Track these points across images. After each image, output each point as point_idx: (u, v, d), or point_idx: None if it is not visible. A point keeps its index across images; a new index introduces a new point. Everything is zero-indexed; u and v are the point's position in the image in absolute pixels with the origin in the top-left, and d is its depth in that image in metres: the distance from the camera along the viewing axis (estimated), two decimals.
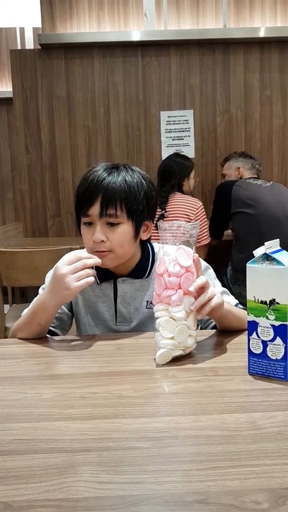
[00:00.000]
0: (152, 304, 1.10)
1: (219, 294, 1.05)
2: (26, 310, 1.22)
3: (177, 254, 1.00)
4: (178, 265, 0.99)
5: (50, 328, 1.22)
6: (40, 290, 1.25)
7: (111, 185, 1.12)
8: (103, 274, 1.23)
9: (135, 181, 1.14)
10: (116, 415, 0.78)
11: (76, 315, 1.29)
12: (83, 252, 1.11)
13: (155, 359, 0.98)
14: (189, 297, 1.00)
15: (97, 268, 1.21)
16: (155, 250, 1.26)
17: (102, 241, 1.13)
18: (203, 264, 1.25)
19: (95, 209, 1.12)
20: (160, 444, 0.69)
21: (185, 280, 0.99)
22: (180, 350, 1.01)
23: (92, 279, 1.08)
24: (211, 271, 1.27)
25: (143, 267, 1.23)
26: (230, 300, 1.24)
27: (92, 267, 1.10)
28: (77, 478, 0.62)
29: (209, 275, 1.24)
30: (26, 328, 1.17)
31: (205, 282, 1.00)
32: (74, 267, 1.07)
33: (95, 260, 1.09)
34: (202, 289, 1.01)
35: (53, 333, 1.24)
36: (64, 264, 1.08)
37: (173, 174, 2.78)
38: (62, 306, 1.23)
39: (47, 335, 1.21)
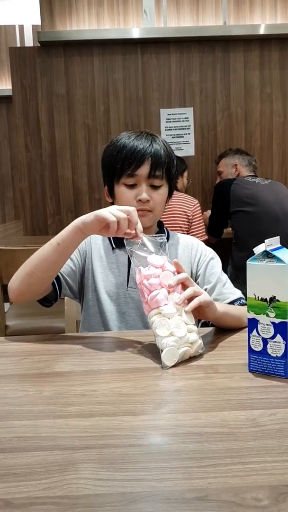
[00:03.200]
0: None
1: (207, 295, 1.05)
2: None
3: (148, 258, 1.02)
4: (152, 266, 1.01)
5: (59, 272, 1.20)
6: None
7: (159, 150, 1.22)
8: (119, 241, 1.26)
9: (171, 151, 1.27)
10: (117, 413, 0.78)
11: (86, 281, 1.28)
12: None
13: (161, 366, 0.95)
14: (175, 294, 1.00)
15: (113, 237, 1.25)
16: (169, 235, 1.33)
17: (148, 200, 1.20)
18: (208, 253, 1.31)
19: (144, 170, 1.20)
20: (161, 442, 0.70)
21: (164, 278, 1.00)
22: (186, 346, 0.97)
23: (125, 226, 1.04)
24: (214, 261, 1.30)
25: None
26: (233, 291, 1.26)
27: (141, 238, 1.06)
28: (78, 475, 0.62)
29: (212, 265, 1.28)
30: (40, 252, 1.12)
31: (185, 278, 1.01)
32: (120, 208, 1.05)
33: (140, 226, 1.06)
34: (185, 286, 1.02)
35: (58, 281, 1.22)
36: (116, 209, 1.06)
37: None
38: (75, 268, 1.25)
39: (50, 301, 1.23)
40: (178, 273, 1.02)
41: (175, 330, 0.96)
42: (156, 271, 1.00)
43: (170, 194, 1.29)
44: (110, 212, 1.04)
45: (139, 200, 1.20)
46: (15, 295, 1.18)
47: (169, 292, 1.00)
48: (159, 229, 1.32)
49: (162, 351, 0.95)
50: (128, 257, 1.27)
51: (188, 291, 1.00)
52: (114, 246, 1.29)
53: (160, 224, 1.34)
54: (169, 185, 1.27)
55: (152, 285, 0.99)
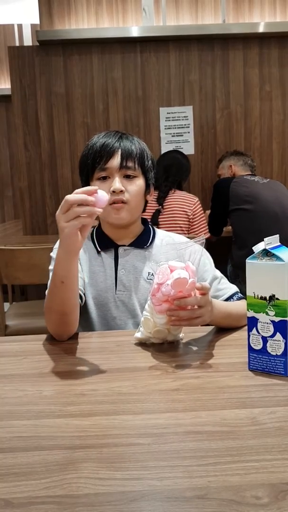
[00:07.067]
0: (153, 276, 1.10)
1: (202, 320, 1.02)
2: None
3: (175, 273, 0.97)
4: (170, 286, 0.97)
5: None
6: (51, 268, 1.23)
7: (129, 143, 1.23)
8: (104, 243, 1.26)
9: (144, 146, 1.27)
10: (116, 412, 0.78)
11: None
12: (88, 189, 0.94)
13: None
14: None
15: (98, 237, 1.27)
16: (156, 233, 1.32)
17: (121, 191, 1.18)
18: (198, 249, 1.26)
19: (114, 162, 1.19)
20: (161, 440, 0.70)
21: (176, 290, 0.98)
22: (159, 340, 1.07)
23: (87, 220, 0.92)
24: (204, 258, 1.25)
25: (144, 238, 1.28)
26: (228, 286, 1.26)
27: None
28: (78, 474, 0.62)
29: (203, 262, 1.24)
30: (53, 293, 1.06)
31: (195, 303, 0.98)
32: (64, 205, 0.92)
33: (89, 198, 0.91)
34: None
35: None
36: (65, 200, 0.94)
37: (179, 171, 2.79)
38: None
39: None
40: (202, 293, 0.99)
41: (154, 334, 1.05)
42: (170, 292, 0.97)
43: (147, 189, 1.26)
44: (64, 215, 0.92)
45: (113, 191, 1.17)
46: (62, 338, 1.14)
47: (171, 304, 0.99)
48: (144, 226, 1.30)
49: (139, 330, 1.08)
50: (115, 260, 1.25)
51: (183, 313, 0.99)
52: (99, 250, 1.26)
53: (145, 222, 1.32)
54: (146, 179, 1.24)
55: (157, 297, 1.00)
